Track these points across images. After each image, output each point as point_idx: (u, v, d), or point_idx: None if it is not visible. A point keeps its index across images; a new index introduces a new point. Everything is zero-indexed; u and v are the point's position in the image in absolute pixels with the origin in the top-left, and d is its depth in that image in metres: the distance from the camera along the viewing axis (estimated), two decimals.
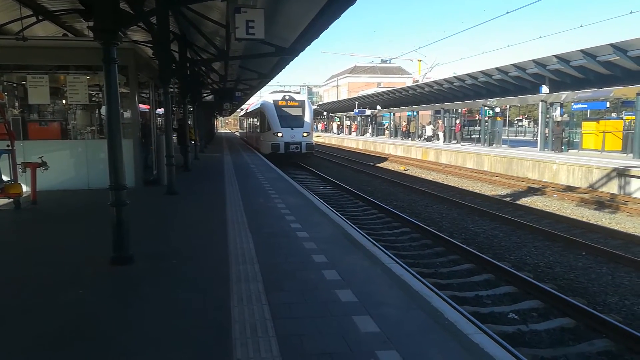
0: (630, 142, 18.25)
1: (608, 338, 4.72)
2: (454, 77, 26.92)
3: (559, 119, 21.22)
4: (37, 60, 9.43)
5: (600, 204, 12.04)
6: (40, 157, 8.21)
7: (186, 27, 10.83)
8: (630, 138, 18.43)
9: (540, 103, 21.58)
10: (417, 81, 45.67)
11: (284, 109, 21.59)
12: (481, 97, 26.70)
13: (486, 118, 26.23)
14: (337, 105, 55.30)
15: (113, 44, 4.68)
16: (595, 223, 10.07)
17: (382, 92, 40.21)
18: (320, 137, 50.18)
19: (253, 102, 36.36)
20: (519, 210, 11.67)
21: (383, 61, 75.03)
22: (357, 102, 45.63)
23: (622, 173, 13.57)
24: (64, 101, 10.17)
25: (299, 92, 29.66)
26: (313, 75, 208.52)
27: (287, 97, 22.34)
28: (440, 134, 30.72)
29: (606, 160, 16.30)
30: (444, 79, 28.29)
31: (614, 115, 26.08)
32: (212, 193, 9.84)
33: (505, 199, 13.21)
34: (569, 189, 14.37)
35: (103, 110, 9.00)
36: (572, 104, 21.46)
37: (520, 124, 51.19)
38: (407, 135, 37.87)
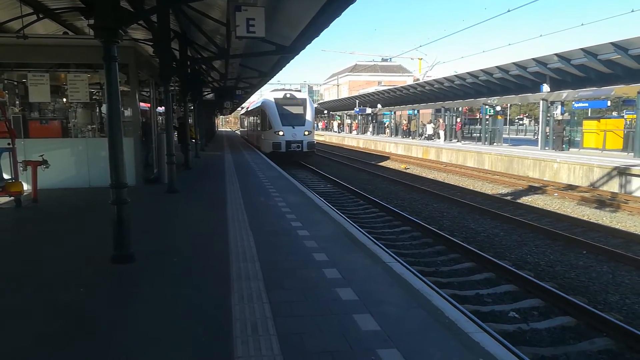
0: (631, 141, 18.24)
1: (609, 337, 4.71)
2: (455, 75, 26.89)
3: (560, 117, 21.20)
4: (38, 58, 9.42)
5: (601, 203, 12.03)
6: (41, 156, 8.21)
7: (187, 25, 10.82)
8: (631, 137, 18.41)
9: (541, 102, 21.55)
10: (418, 80, 45.67)
11: (285, 107, 21.40)
12: (482, 96, 26.66)
13: (487, 117, 26.22)
14: (337, 103, 55.28)
15: (114, 42, 4.68)
16: (596, 222, 10.07)
17: (383, 90, 40.18)
18: (320, 136, 50.13)
19: (254, 101, 36.34)
20: (520, 209, 11.67)
21: (384, 60, 75.21)
22: (357, 101, 45.61)
23: (623, 172, 13.55)
24: (64, 99, 10.16)
25: (300, 90, 29.54)
26: (314, 73, 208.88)
27: (288, 95, 22.14)
28: (441, 133, 30.70)
29: (607, 159, 16.29)
30: (444, 78, 28.26)
31: (614, 114, 26.07)
32: (212, 191, 9.84)
33: (506, 198, 13.20)
34: (570, 187, 14.37)
35: (104, 108, 9.00)
36: (573, 102, 21.41)
37: (521, 122, 51.09)
38: (407, 133, 37.85)
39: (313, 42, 9.69)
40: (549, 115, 21.33)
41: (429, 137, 33.43)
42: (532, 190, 14.48)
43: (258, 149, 23.70)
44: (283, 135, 20.50)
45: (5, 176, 7.82)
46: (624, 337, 4.63)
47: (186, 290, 4.03)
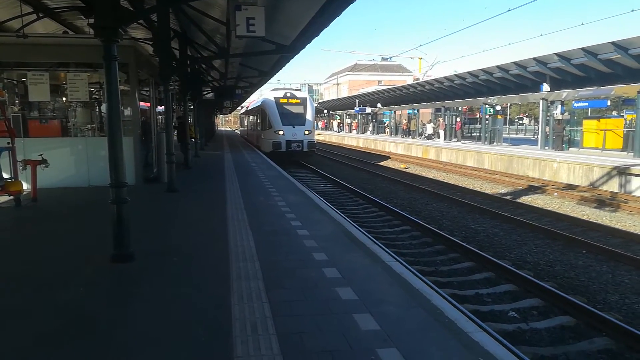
0: (631, 141, 18.24)
1: (608, 336, 4.72)
2: (455, 75, 26.89)
3: (560, 117, 21.20)
4: (38, 57, 9.41)
5: (601, 203, 12.03)
6: (41, 155, 8.20)
7: (187, 24, 10.81)
8: (631, 136, 18.41)
9: (541, 101, 21.55)
10: (418, 79, 45.66)
11: (285, 106, 21.25)
12: (482, 95, 26.66)
13: (487, 116, 26.22)
14: (337, 103, 55.26)
15: (113, 42, 4.67)
16: (595, 221, 10.07)
17: (383, 90, 40.17)
18: (320, 135, 50.10)
19: (254, 100, 36.27)
20: (520, 208, 11.67)
21: (384, 59, 75.23)
22: (357, 100, 45.60)
23: (622, 171, 13.56)
24: (64, 99, 10.16)
25: (300, 90, 29.46)
26: (314, 73, 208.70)
27: (288, 95, 21.95)
28: (441, 132, 30.70)
29: (607, 158, 16.30)
30: (444, 77, 28.26)
31: (614, 113, 26.05)
32: (212, 191, 9.84)
33: (505, 197, 13.20)
34: (570, 187, 14.37)
35: (103, 107, 9.00)
36: (573, 102, 21.42)
37: (521, 122, 51.11)
38: (407, 133, 37.85)
39: (313, 41, 9.67)
40: (548, 114, 21.32)
41: (429, 137, 33.44)
42: (531, 189, 14.48)
43: (258, 149, 23.63)
44: (283, 134, 20.38)
45: (5, 175, 7.81)
46: (624, 336, 4.64)
47: (186, 290, 4.03)
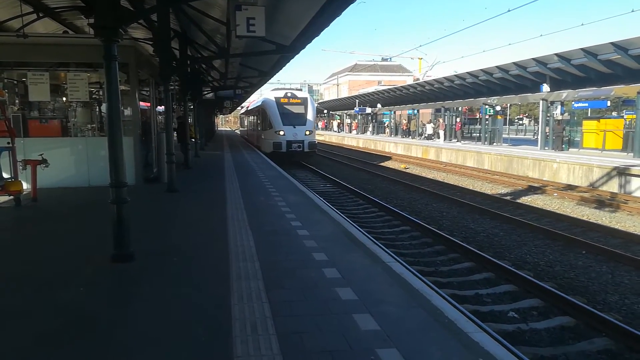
0: (630, 141, 18.24)
1: (608, 337, 4.72)
2: (455, 75, 26.90)
3: (560, 117, 21.20)
4: (38, 57, 9.41)
5: (601, 203, 12.04)
6: (41, 155, 8.20)
7: (187, 24, 10.82)
8: (630, 137, 18.41)
9: (541, 101, 21.55)
10: (418, 79, 45.67)
11: (286, 106, 21.11)
12: (482, 96, 26.67)
13: (487, 116, 26.22)
14: (337, 103, 55.26)
15: (114, 42, 4.67)
16: (595, 222, 10.07)
17: (383, 90, 40.18)
18: (320, 135, 50.05)
19: (254, 100, 36.25)
20: (519, 208, 11.68)
21: (384, 59, 75.18)
22: (357, 100, 45.60)
23: (622, 172, 13.56)
24: (64, 98, 10.16)
25: (301, 90, 29.38)
26: (314, 73, 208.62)
27: (289, 95, 21.81)
28: (441, 133, 30.70)
29: (607, 159, 16.30)
30: (444, 77, 28.27)
31: (614, 114, 26.05)
32: (212, 191, 9.84)
33: (505, 198, 13.21)
34: (570, 187, 14.37)
35: (103, 107, 8.99)
36: (573, 102, 21.42)
37: (520, 122, 51.12)
38: (407, 133, 37.86)
39: (313, 41, 9.68)
40: (548, 115, 21.33)
41: (429, 137, 33.44)
42: (531, 190, 14.48)
43: (258, 149, 23.55)
44: (284, 135, 20.24)
45: (5, 175, 7.81)
46: (623, 337, 4.64)
47: (186, 290, 4.03)
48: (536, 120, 37.54)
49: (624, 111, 24.52)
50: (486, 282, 6.46)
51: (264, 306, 3.66)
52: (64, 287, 4.10)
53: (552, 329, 4.99)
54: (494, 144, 25.92)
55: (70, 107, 10.26)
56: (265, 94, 24.97)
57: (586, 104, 21.37)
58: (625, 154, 18.24)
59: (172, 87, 12.51)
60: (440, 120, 31.74)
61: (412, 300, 3.86)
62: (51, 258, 5.02)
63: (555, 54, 18.88)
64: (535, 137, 32.12)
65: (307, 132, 20.63)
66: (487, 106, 25.38)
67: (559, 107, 20.89)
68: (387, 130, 42.70)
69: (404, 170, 21.06)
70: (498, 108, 25.61)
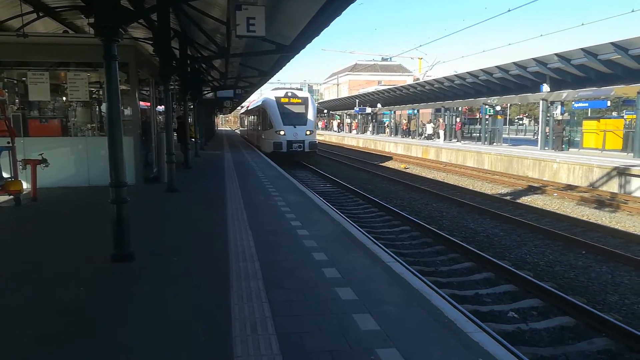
0: (630, 141, 18.25)
1: (608, 337, 4.72)
2: (455, 75, 26.89)
3: (560, 117, 21.21)
4: (38, 57, 9.40)
5: (601, 203, 12.04)
6: (41, 154, 8.20)
7: (187, 24, 10.81)
8: (630, 137, 18.42)
9: (541, 101, 21.55)
10: (418, 79, 45.68)
11: (286, 106, 20.97)
12: (482, 96, 26.67)
13: (487, 116, 26.22)
14: (337, 103, 55.26)
15: (114, 41, 4.67)
16: (595, 222, 10.08)
17: (383, 90, 40.18)
18: (320, 135, 50.00)
19: (254, 99, 36.22)
20: (519, 208, 11.68)
21: (384, 59, 75.22)
22: (357, 100, 45.60)
23: (622, 172, 13.56)
24: (64, 98, 10.16)
25: (301, 89, 29.29)
26: (314, 73, 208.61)
27: (289, 94, 21.63)
28: (441, 132, 30.71)
29: (607, 159, 16.30)
30: (444, 77, 28.27)
31: (614, 114, 26.06)
32: (212, 190, 9.84)
33: (505, 198, 13.21)
34: (570, 187, 14.38)
35: (103, 107, 8.98)
36: (573, 102, 21.43)
37: (520, 122, 51.14)
38: (407, 133, 37.86)
39: (313, 41, 9.68)
40: (548, 115, 21.33)
41: (429, 137, 33.45)
42: (531, 190, 14.48)
43: (258, 149, 23.48)
44: (284, 134, 20.09)
45: (5, 175, 7.82)
46: (623, 337, 4.64)
47: (186, 290, 4.03)
48: (536, 120, 37.54)
49: (624, 111, 24.54)
50: (486, 282, 6.46)
51: (263, 306, 3.66)
52: (64, 287, 4.10)
53: (551, 329, 4.99)
54: (494, 144, 25.92)
55: (70, 106, 10.27)
56: (266, 93, 24.88)
57: (586, 104, 21.38)
58: (625, 154, 18.24)
59: (172, 87, 12.52)
60: (440, 120, 31.74)
61: (412, 300, 3.86)
62: (51, 258, 5.02)
63: (555, 54, 18.88)
64: (535, 137, 32.13)
65: (308, 132, 20.49)
66: (487, 106, 25.38)
67: (559, 107, 20.89)
68: (387, 130, 42.70)
69: (404, 170, 21.06)
70: (498, 108, 25.61)
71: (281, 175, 12.63)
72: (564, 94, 20.40)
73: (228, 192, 9.35)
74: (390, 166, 22.83)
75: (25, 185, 8.13)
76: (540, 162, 17.10)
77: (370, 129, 46.20)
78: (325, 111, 63.40)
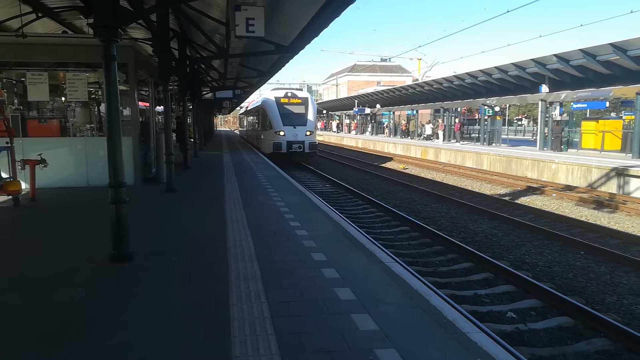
0: (629, 142, 18.28)
1: (606, 337, 4.73)
2: (454, 76, 26.91)
3: (559, 118, 21.24)
4: (37, 57, 9.39)
5: (599, 204, 12.05)
6: (40, 155, 8.20)
7: (186, 24, 10.82)
8: (629, 138, 18.45)
9: (540, 102, 21.59)
10: (417, 80, 45.73)
11: (286, 106, 20.80)
12: (481, 96, 26.70)
13: (486, 117, 26.25)
14: (336, 103, 55.28)
15: (113, 42, 4.67)
16: (594, 222, 10.09)
17: (382, 90, 40.20)
18: (319, 136, 49.93)
19: (253, 100, 36.19)
20: (518, 209, 11.69)
21: (383, 60, 75.21)
22: (356, 101, 45.63)
23: (621, 173, 13.58)
24: (63, 98, 10.15)
25: (301, 89, 29.22)
26: (313, 73, 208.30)
27: (289, 94, 21.45)
28: (440, 133, 30.73)
29: (605, 159, 16.33)
30: (443, 78, 28.28)
31: (613, 114, 26.14)
32: (211, 191, 9.84)
33: (504, 198, 13.22)
34: (568, 188, 14.39)
35: (102, 107, 8.97)
36: (572, 103, 21.48)
37: (519, 123, 51.25)
38: (406, 134, 37.88)
39: (312, 41, 9.70)
40: (547, 115, 21.37)
41: (428, 138, 33.48)
42: (530, 190, 14.50)
43: (258, 150, 23.42)
44: (284, 135, 19.92)
45: (4, 175, 7.81)
46: (622, 337, 4.65)
47: (185, 290, 4.03)
48: (535, 121, 37.61)
49: (623, 112, 24.60)
50: (485, 283, 6.46)
51: (262, 306, 3.66)
52: (62, 287, 4.10)
53: (550, 329, 5.00)
54: (493, 144, 25.95)
55: (69, 107, 10.25)
56: (265, 93, 24.78)
57: (585, 105, 21.42)
58: (624, 154, 18.27)
59: (171, 87, 12.52)
60: (439, 120, 31.77)
61: (410, 300, 3.86)
62: (50, 258, 5.01)
63: (554, 55, 18.91)
64: (534, 137, 32.18)
65: (308, 133, 20.33)
66: (486, 107, 25.41)
67: (558, 107, 20.93)
68: (386, 130, 42.73)
69: (403, 170, 21.06)
70: (497, 109, 25.65)
71: (280, 175, 12.63)
72: (563, 94, 20.44)
73: (227, 193, 9.35)
74: (389, 167, 22.83)
75: (24, 185, 8.12)
76: (539, 162, 17.12)
77: (369, 129, 46.22)
78: (325, 112, 63.41)
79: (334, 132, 57.10)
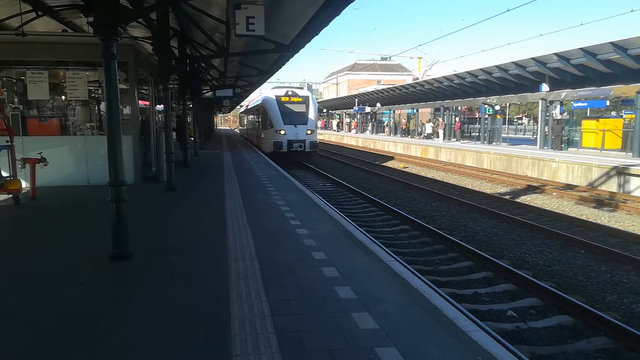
0: (629, 141, 18.27)
1: (607, 336, 4.73)
2: (454, 74, 26.90)
3: (559, 117, 21.23)
4: (37, 55, 9.39)
5: (600, 203, 12.05)
6: (40, 153, 8.20)
7: (186, 23, 10.80)
8: (629, 136, 18.43)
9: (540, 101, 21.57)
10: (417, 79, 45.69)
11: (287, 105, 20.67)
12: (481, 95, 26.68)
13: (486, 116, 26.23)
14: (337, 102, 55.26)
15: (113, 40, 4.67)
16: (594, 221, 10.09)
17: (382, 89, 40.18)
18: (319, 135, 49.89)
19: (254, 99, 36.14)
20: (519, 208, 11.69)
21: (383, 58, 75.23)
22: (357, 100, 45.59)
23: (621, 171, 13.58)
24: (63, 97, 10.15)
25: (302, 88, 29.15)
26: (313, 72, 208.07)
27: (290, 93, 21.29)
28: (440, 132, 30.72)
29: (606, 158, 16.32)
30: (443, 77, 28.27)
31: (613, 113, 26.08)
32: (211, 189, 9.84)
33: (504, 197, 13.21)
34: (569, 187, 14.39)
35: (102, 106, 8.96)
36: (572, 102, 21.45)
37: (520, 122, 51.22)
38: (406, 132, 37.86)
39: (312, 40, 9.68)
40: (548, 114, 21.35)
41: (428, 136, 33.47)
42: (530, 189, 14.50)
43: (258, 149, 23.36)
44: (285, 134, 19.79)
45: (4, 174, 7.81)
46: (622, 336, 4.65)
47: (185, 289, 4.03)
48: (535, 120, 37.59)
49: (623, 111, 24.55)
50: (485, 281, 6.46)
51: (263, 305, 3.66)
52: (63, 286, 4.10)
53: (550, 328, 5.00)
54: (493, 143, 25.93)
55: (69, 105, 10.25)
56: (265, 92, 24.68)
57: (585, 104, 21.40)
58: (624, 153, 18.26)
59: (171, 86, 12.49)
60: (440, 119, 31.76)
61: (411, 299, 3.86)
62: (50, 256, 5.01)
63: (555, 54, 18.89)
64: (535, 136, 32.15)
65: (309, 132, 20.20)
66: (486, 105, 25.39)
67: (558, 106, 20.91)
68: (387, 129, 42.71)
69: (403, 169, 21.06)
70: (497, 107, 25.62)
71: (280, 174, 12.63)
72: (563, 93, 20.42)
73: (227, 191, 9.35)
74: (390, 165, 22.83)
75: (24, 184, 8.12)
76: (539, 161, 17.11)
77: (369, 128, 46.20)
78: (325, 110, 63.37)
79: (334, 131, 57.08)
